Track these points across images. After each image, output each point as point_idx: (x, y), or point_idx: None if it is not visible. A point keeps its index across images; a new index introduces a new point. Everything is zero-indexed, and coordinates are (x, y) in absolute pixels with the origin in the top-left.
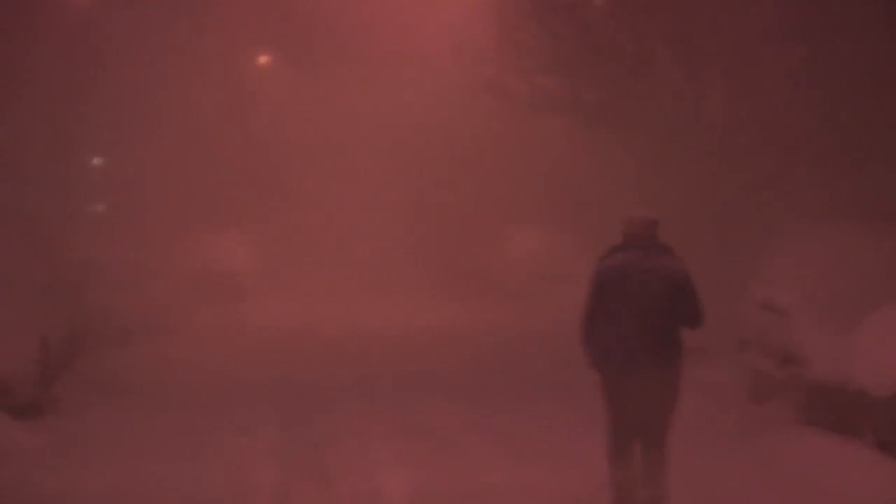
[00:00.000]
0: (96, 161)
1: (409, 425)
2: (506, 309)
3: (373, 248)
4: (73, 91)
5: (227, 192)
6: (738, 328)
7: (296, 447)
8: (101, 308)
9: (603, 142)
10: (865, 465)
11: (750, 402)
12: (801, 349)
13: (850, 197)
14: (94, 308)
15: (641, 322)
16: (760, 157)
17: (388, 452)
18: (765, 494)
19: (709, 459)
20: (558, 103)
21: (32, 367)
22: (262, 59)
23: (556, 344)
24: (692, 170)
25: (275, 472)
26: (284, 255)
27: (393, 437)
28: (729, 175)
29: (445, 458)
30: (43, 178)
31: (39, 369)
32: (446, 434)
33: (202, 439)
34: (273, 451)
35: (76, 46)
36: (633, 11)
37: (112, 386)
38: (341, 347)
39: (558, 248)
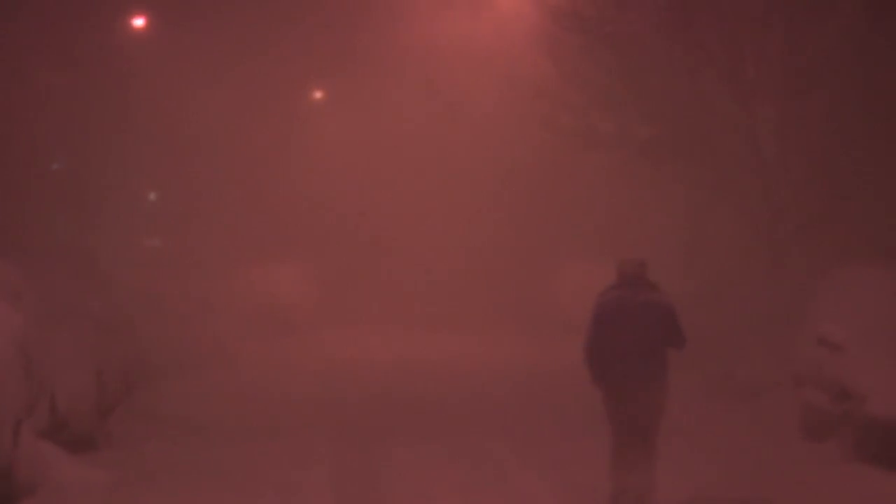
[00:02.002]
0: (152, 196)
1: (464, 456)
2: (558, 343)
3: (426, 281)
4: (128, 125)
5: (281, 225)
6: (794, 363)
7: (351, 477)
8: (156, 341)
9: (656, 177)
10: None
11: (805, 439)
12: (856, 385)
13: None
14: (150, 341)
15: (634, 346)
16: (815, 192)
17: (443, 482)
18: None
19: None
20: (611, 138)
21: (89, 401)
22: (317, 93)
23: None
24: (746, 205)
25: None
26: (338, 287)
27: (447, 467)
28: (784, 210)
29: (499, 489)
30: (99, 212)
31: (95, 403)
32: (500, 465)
33: (258, 471)
34: (329, 481)
35: (132, 79)
36: (687, 47)
37: (167, 419)
38: (395, 378)
39: (609, 280)
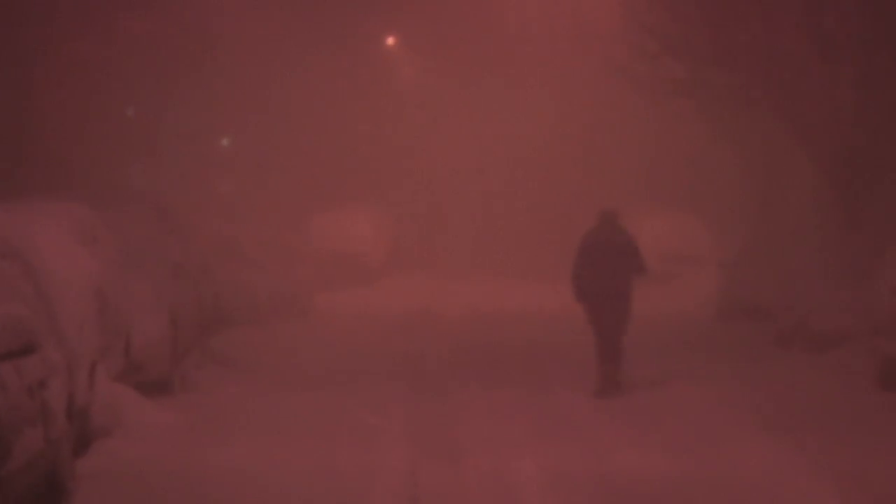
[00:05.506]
0: (225, 142)
1: (536, 405)
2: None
3: (499, 230)
4: (201, 73)
5: (354, 174)
6: (870, 314)
7: (424, 425)
8: (231, 287)
9: (731, 125)
10: None
11: (881, 389)
12: None
13: None
14: (225, 287)
15: (608, 272)
16: (892, 142)
17: (516, 431)
18: (891, 481)
19: (836, 446)
20: (686, 86)
21: (164, 345)
22: (390, 42)
23: (685, 326)
24: (822, 154)
25: (404, 450)
26: (410, 236)
27: (520, 416)
28: (860, 160)
29: (571, 438)
30: (173, 158)
31: (170, 347)
32: (574, 414)
33: (332, 417)
34: (402, 428)
35: (206, 28)
36: None
37: (242, 364)
38: (467, 327)
39: (685, 230)
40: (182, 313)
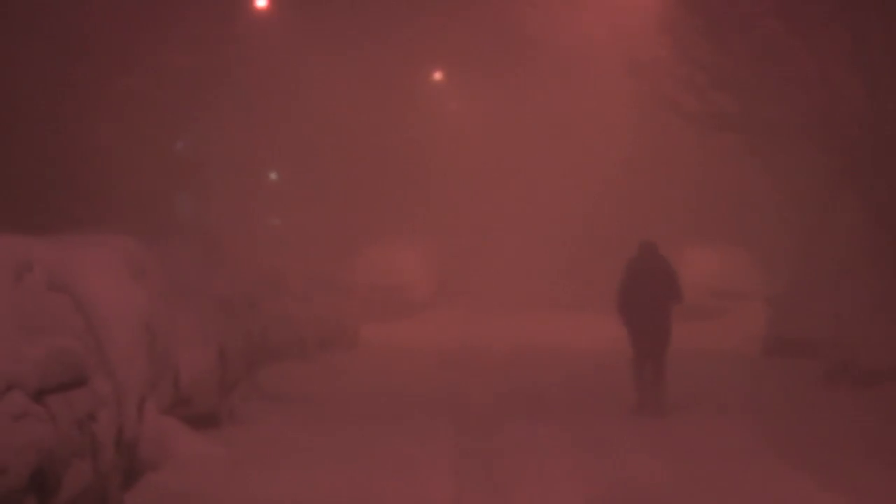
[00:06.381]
0: (273, 176)
1: (581, 440)
2: (680, 327)
3: (542, 265)
4: (249, 107)
5: (400, 208)
6: None
7: (469, 459)
8: (278, 320)
9: (779, 159)
10: None
11: None
12: None
13: None
14: (272, 320)
15: (648, 298)
16: None
17: (561, 466)
18: None
19: (883, 483)
20: (733, 120)
21: (211, 379)
22: (436, 75)
23: (732, 362)
24: (869, 191)
25: (448, 484)
26: (455, 270)
27: (564, 451)
28: None
29: (617, 474)
30: (221, 192)
31: (218, 380)
32: (616, 450)
33: (377, 450)
34: (446, 462)
35: (254, 63)
36: (811, 28)
37: (289, 397)
38: (510, 362)
39: (733, 265)
40: (230, 347)
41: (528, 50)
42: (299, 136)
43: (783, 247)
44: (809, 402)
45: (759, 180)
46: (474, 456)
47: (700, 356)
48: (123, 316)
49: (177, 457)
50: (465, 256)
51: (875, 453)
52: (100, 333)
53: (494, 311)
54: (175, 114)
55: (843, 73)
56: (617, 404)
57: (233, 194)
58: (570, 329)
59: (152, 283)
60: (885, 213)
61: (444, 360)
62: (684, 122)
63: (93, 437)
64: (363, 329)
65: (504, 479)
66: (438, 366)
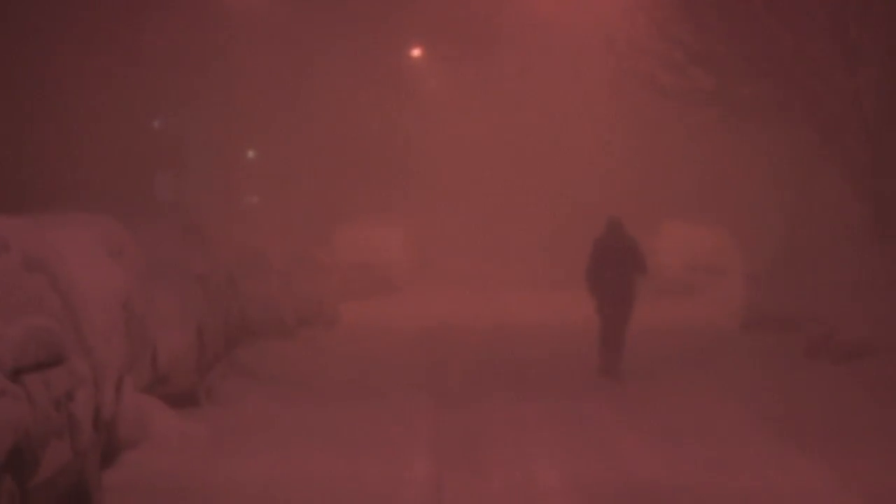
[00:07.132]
0: (250, 154)
1: (560, 416)
2: (657, 302)
3: (521, 242)
4: (225, 85)
5: (379, 186)
6: None
7: (449, 437)
8: (256, 299)
9: (758, 135)
10: None
11: None
12: None
13: None
14: (250, 299)
15: (614, 271)
16: None
17: (540, 443)
18: None
19: (863, 458)
20: (711, 96)
21: (190, 357)
22: (415, 53)
23: (711, 336)
24: (849, 164)
25: (428, 462)
26: (433, 248)
27: (544, 427)
28: (887, 171)
29: (597, 450)
30: (199, 171)
31: (197, 359)
32: (597, 426)
33: (357, 429)
34: (426, 440)
35: (230, 41)
36: (789, 4)
37: (268, 375)
38: (490, 339)
39: (713, 241)
40: (208, 325)
41: (507, 27)
42: (277, 115)
43: (763, 223)
44: (789, 377)
45: (739, 157)
46: (454, 432)
47: (679, 331)
48: (101, 295)
49: (155, 435)
50: (445, 235)
51: (854, 426)
52: (77, 313)
53: (474, 289)
54: (152, 93)
55: (822, 48)
56: (595, 379)
57: (211, 173)
58: (550, 306)
59: (130, 262)
60: (864, 187)
61: (423, 337)
62: (663, 98)
63: (70, 416)
64: (343, 307)
65: (484, 455)
66: (418, 343)
